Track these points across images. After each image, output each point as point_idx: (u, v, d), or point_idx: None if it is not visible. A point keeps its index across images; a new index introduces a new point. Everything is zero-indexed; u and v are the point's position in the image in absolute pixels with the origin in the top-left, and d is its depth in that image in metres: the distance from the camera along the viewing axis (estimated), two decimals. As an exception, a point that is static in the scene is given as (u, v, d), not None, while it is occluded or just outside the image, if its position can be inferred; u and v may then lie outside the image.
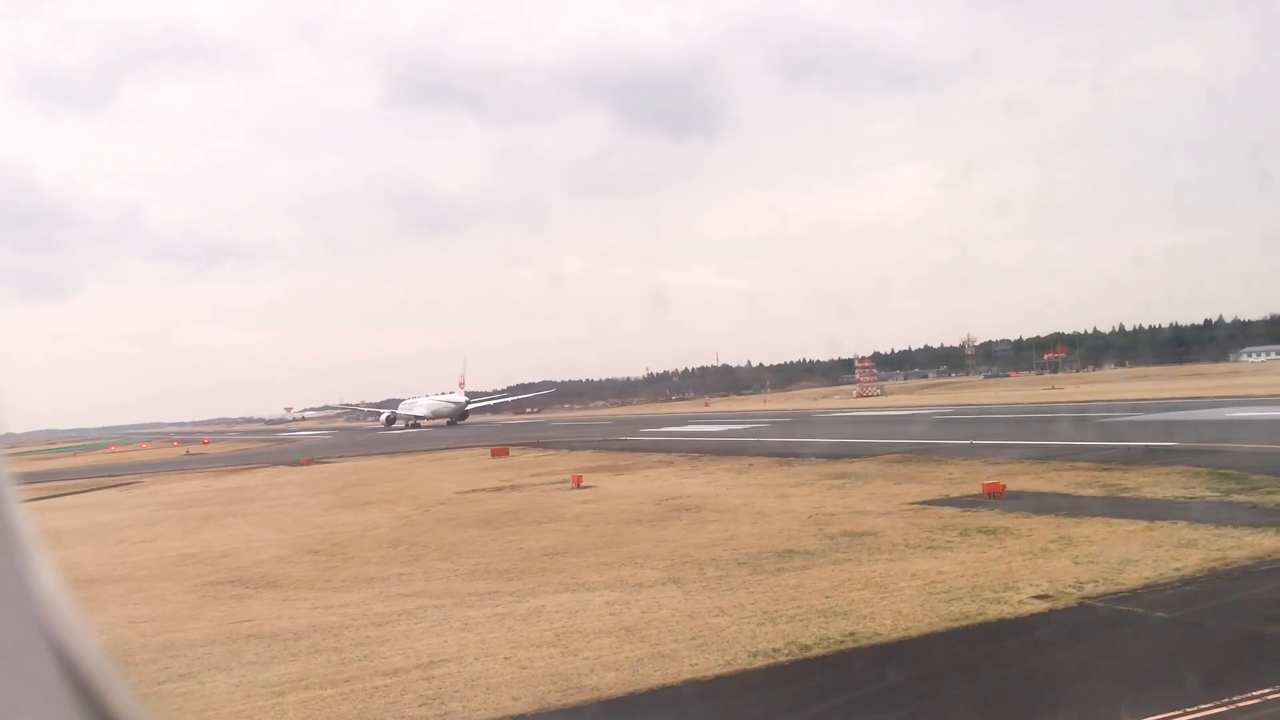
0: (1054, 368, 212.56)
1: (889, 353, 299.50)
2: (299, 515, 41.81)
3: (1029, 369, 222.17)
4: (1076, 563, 20.31)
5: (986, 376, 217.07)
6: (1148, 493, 29.84)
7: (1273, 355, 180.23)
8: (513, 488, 46.58)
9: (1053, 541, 23.01)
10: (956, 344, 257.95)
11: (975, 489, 32.58)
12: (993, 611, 16.86)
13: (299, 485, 58.35)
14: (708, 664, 14.98)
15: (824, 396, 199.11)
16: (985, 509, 28.99)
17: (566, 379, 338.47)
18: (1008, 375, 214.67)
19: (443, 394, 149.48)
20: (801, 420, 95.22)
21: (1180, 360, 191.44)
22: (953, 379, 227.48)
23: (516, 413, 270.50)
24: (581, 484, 43.79)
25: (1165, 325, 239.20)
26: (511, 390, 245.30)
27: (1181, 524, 23.85)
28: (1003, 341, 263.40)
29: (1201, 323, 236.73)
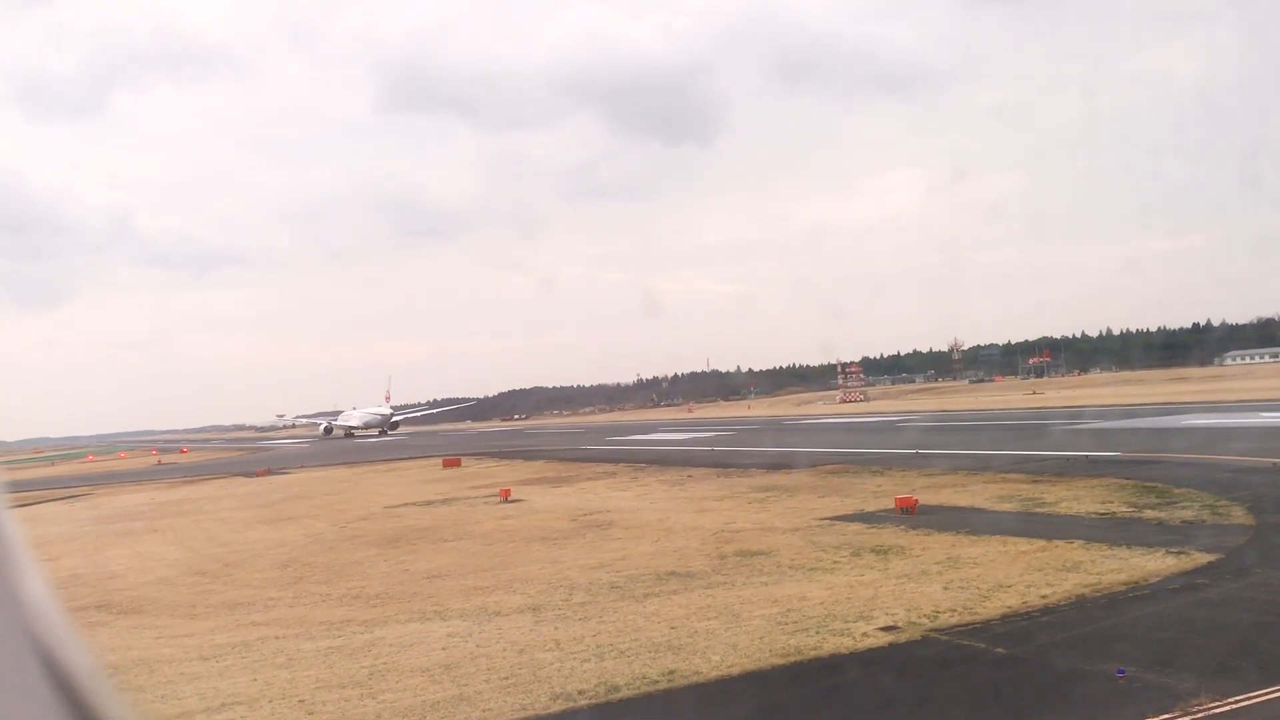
0: (1039, 372, 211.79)
1: (879, 358, 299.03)
2: (216, 531, 40.69)
3: (1018, 374, 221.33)
4: (947, 588, 19.26)
5: (972, 381, 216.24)
6: (1063, 508, 28.82)
7: (1257, 358, 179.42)
8: (444, 501, 45.49)
9: (938, 563, 21.97)
10: (946, 349, 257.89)
11: (894, 503, 31.64)
12: (830, 645, 15.80)
13: (240, 498, 57.23)
14: (503, 709, 13.91)
15: (808, 402, 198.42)
16: (892, 525, 28.03)
17: (558, 385, 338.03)
18: (993, 380, 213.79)
19: (370, 408, 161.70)
20: (769, 428, 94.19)
21: (1168, 364, 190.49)
22: (937, 384, 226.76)
23: (504, 419, 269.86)
24: (509, 498, 42.73)
25: (1155, 329, 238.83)
26: (445, 402, 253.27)
27: (1078, 544, 22.85)
28: (990, 346, 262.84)
29: (1190, 326, 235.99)
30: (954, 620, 16.84)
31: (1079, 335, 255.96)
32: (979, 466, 41.31)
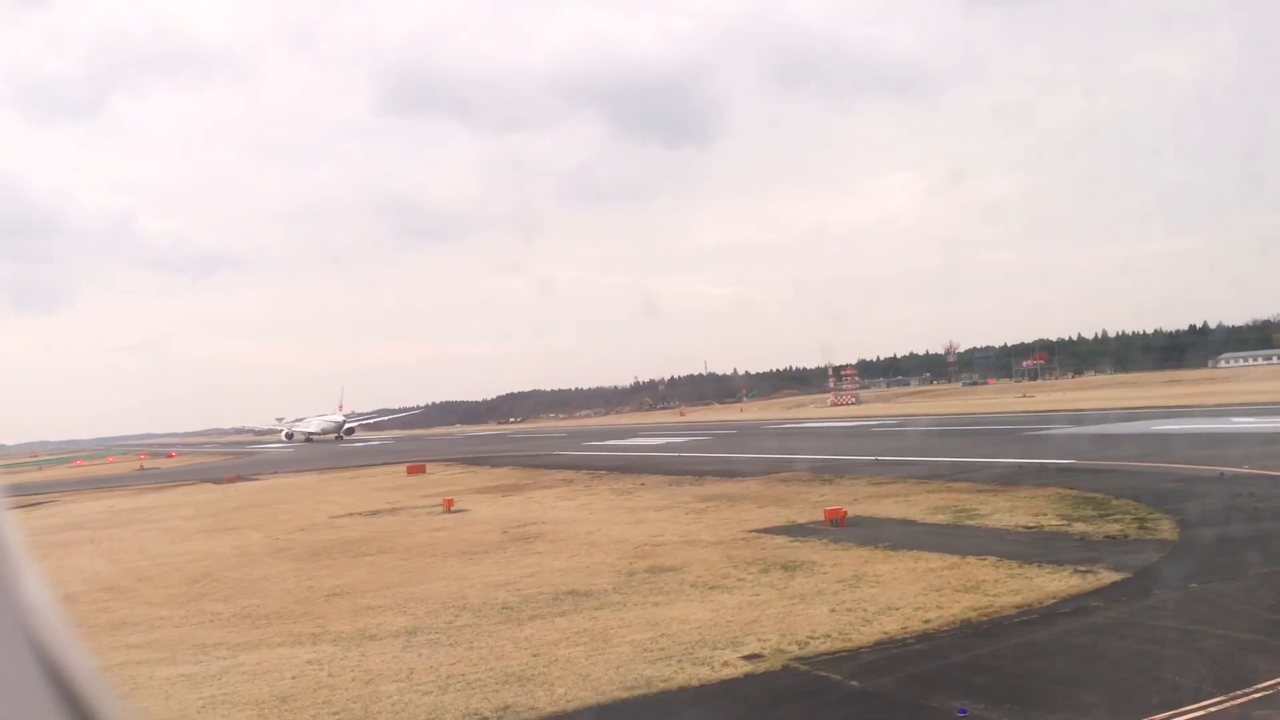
0: (1035, 375, 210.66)
1: (876, 360, 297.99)
2: (151, 544, 39.92)
3: (1013, 376, 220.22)
4: (834, 611, 18.39)
5: (966, 384, 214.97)
6: (994, 521, 27.92)
7: (1251, 360, 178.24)
8: (391, 511, 44.67)
9: (840, 582, 21.10)
10: (943, 351, 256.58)
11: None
12: (684, 677, 14.94)
13: (195, 507, 56.49)
14: (314, 747, 13.06)
15: (801, 405, 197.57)
16: (815, 538, 27.19)
17: (557, 388, 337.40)
18: (987, 383, 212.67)
19: (326, 415, 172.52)
20: (748, 433, 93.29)
21: (1164, 366, 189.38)
22: (930, 387, 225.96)
23: (500, 423, 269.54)
24: (452, 508, 41.88)
25: (1152, 331, 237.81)
26: (388, 409, 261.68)
27: (990, 561, 21.99)
28: (987, 348, 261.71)
29: (1188, 328, 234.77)
30: (824, 648, 15.97)
31: (1076, 337, 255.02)
32: (932, 474, 40.46)
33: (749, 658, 15.65)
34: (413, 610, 22.07)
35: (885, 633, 16.53)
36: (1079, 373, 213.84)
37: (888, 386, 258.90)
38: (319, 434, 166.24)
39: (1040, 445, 52.06)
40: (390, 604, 23.09)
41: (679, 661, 15.74)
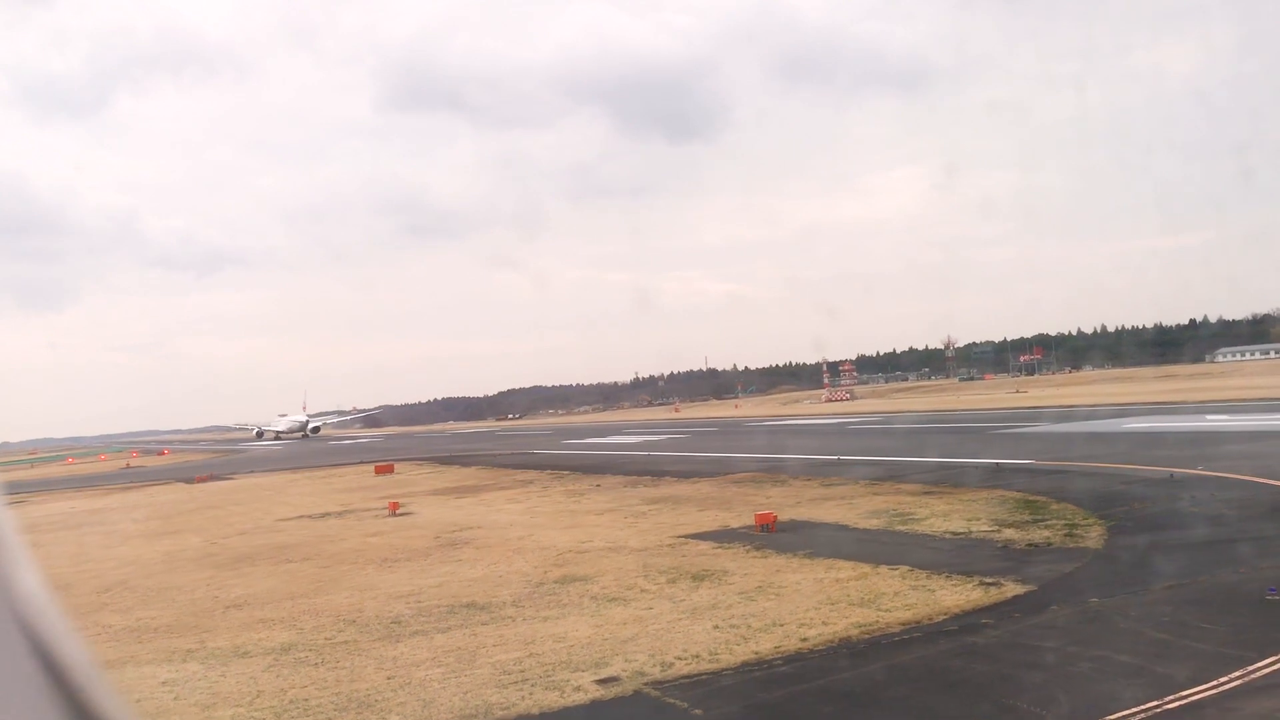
0: (1031, 370, 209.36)
1: (875, 355, 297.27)
2: (89, 548, 39.15)
3: (1009, 371, 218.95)
4: (718, 627, 17.52)
5: (962, 379, 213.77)
6: (926, 526, 27.03)
7: (1247, 355, 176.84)
8: (339, 514, 43.91)
9: (741, 594, 20.24)
10: (941, 346, 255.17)
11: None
12: (528, 703, 14.10)
13: (152, 509, 55.83)
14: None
15: (796, 401, 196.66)
16: (741, 545, 26.35)
17: (557, 384, 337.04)
18: (983, 378, 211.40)
19: (292, 415, 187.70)
20: (728, 431, 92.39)
21: (1160, 361, 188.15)
22: (925, 382, 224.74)
23: (499, 419, 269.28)
24: (397, 511, 41.10)
25: (1150, 326, 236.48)
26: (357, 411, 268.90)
27: (902, 570, 21.13)
28: (985, 343, 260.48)
29: (1187, 323, 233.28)
30: (687, 669, 15.11)
31: (1075, 332, 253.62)
32: (887, 475, 39.59)
33: (604, 681, 14.79)
34: (301, 624, 21.26)
35: (756, 653, 15.66)
36: (1076, 368, 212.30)
37: (885, 382, 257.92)
38: (285, 432, 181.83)
39: (1009, 444, 51.11)
40: (283, 617, 22.28)
41: (532, 686, 14.89)
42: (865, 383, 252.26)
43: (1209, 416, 57.02)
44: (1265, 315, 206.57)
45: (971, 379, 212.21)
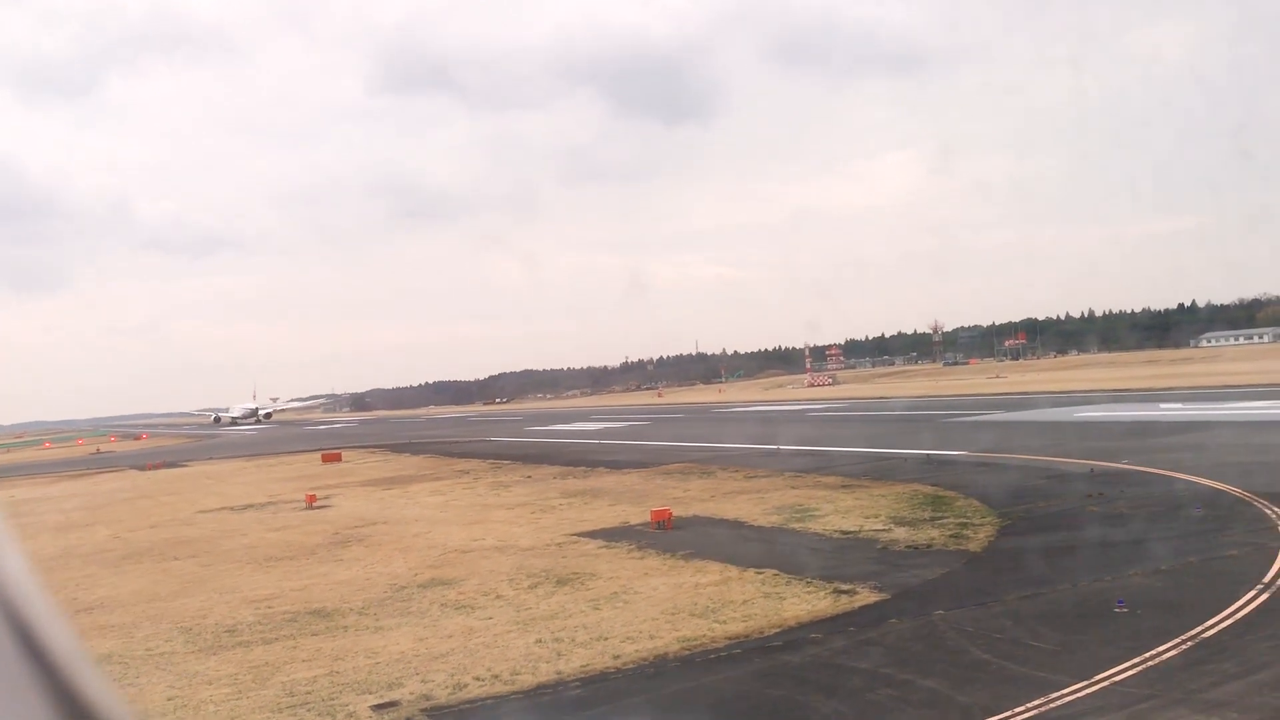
0: (1016, 354, 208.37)
1: (865, 339, 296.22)
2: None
3: (996, 356, 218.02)
4: (540, 641, 16.49)
5: (946, 364, 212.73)
6: (821, 524, 25.98)
7: (1229, 340, 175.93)
8: (262, 505, 42.98)
9: (594, 600, 19.23)
10: (930, 330, 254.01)
11: (679, 513, 29.38)
12: (290, 729, 13.04)
13: (87, 497, 54.93)
14: None
15: (780, 386, 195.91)
16: (629, 543, 25.43)
17: (549, 368, 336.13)
18: (967, 363, 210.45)
19: (245, 403, 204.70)
20: (692, 418, 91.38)
21: (1151, 345, 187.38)
22: (911, 367, 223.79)
23: (487, 403, 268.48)
24: (314, 504, 40.09)
25: (1140, 309, 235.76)
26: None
27: (767, 574, 20.16)
28: (974, 327, 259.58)
29: (1176, 307, 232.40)
30: (478, 691, 14.09)
31: (1064, 316, 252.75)
32: (815, 467, 38.58)
33: (382, 706, 13.75)
34: (138, 633, 20.24)
35: (559, 673, 14.62)
36: (1063, 352, 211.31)
37: (873, 366, 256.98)
38: (241, 418, 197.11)
39: (955, 433, 50.10)
40: (125, 623, 21.27)
41: (307, 711, 13.87)
42: (852, 367, 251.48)
43: (1163, 405, 56.02)
44: (1254, 300, 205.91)
45: (956, 364, 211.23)
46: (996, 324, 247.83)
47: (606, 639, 16.25)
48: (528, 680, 14.37)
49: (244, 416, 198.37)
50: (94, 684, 1.78)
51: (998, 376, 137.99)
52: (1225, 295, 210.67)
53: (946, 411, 67.30)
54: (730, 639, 15.68)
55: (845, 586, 18.44)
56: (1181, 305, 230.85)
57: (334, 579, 24.36)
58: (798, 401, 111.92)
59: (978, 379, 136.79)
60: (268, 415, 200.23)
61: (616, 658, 15.13)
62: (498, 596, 20.54)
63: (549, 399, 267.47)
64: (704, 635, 15.97)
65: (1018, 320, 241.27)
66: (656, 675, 14.22)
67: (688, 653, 15.18)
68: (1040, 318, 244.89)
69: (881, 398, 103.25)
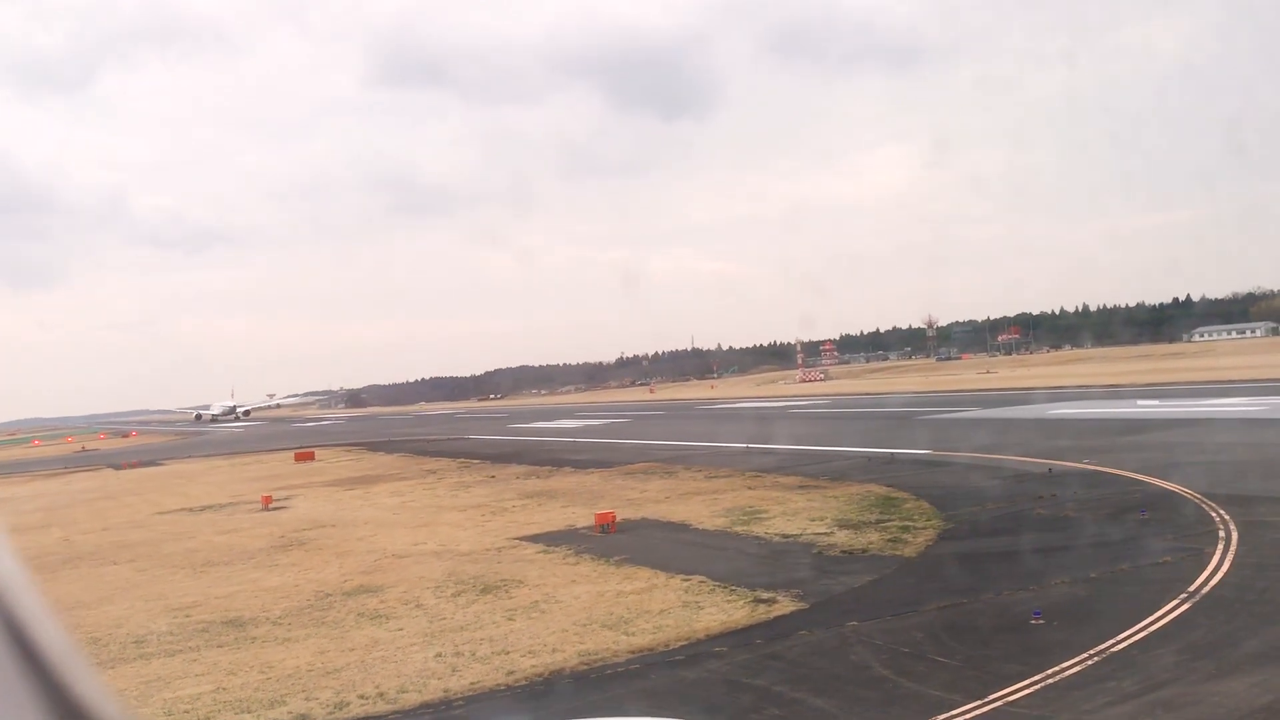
0: (1009, 349, 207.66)
1: (860, 334, 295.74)
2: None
3: (990, 351, 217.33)
4: (440, 656, 15.90)
5: (939, 359, 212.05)
6: (764, 527, 25.40)
7: (1225, 335, 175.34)
8: (225, 505, 42.49)
9: (511, 610, 18.64)
10: (924, 325, 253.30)
11: (630, 514, 29.00)
12: (152, 753, 12.46)
13: (51, 497, 54.40)
14: None
15: (772, 381, 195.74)
16: (568, 547, 24.86)
17: (545, 363, 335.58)
18: (960, 358, 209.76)
19: (225, 402, 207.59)
20: (676, 415, 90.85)
21: (1145, 340, 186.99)
22: (905, 362, 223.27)
23: (481, 399, 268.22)
24: (270, 505, 39.51)
25: (1135, 304, 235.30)
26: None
27: (694, 581, 19.60)
28: (968, 322, 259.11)
29: (1171, 301, 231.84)
30: (359, 711, 13.56)
31: (1058, 311, 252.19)
32: (778, 466, 38.02)
33: (255, 725, 13.14)
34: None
35: (447, 690, 14.05)
36: (1057, 347, 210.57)
37: (867, 361, 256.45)
38: (221, 415, 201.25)
39: (925, 431, 49.52)
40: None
41: (180, 729, 13.26)
42: (847, 362, 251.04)
43: (1141, 402, 55.45)
44: (1249, 294, 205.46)
45: (949, 359, 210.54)
46: (991, 319, 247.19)
47: (508, 653, 15.67)
48: (412, 699, 13.79)
49: (224, 414, 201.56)
50: (87, 683, 1.74)
51: (988, 372, 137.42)
52: (1220, 290, 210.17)
53: (925, 408, 66.72)
54: (633, 652, 15.10)
55: (766, 595, 17.86)
56: (1176, 300, 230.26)
57: (263, 585, 23.78)
58: (785, 398, 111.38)
59: (968, 374, 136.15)
60: (246, 412, 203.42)
61: (510, 674, 14.55)
62: (418, 605, 19.94)
63: (543, 395, 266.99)
64: (607, 649, 15.38)
65: (1013, 315, 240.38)
66: (545, 693, 13.64)
67: (585, 668, 14.59)
68: (1035, 312, 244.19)
69: (867, 394, 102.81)
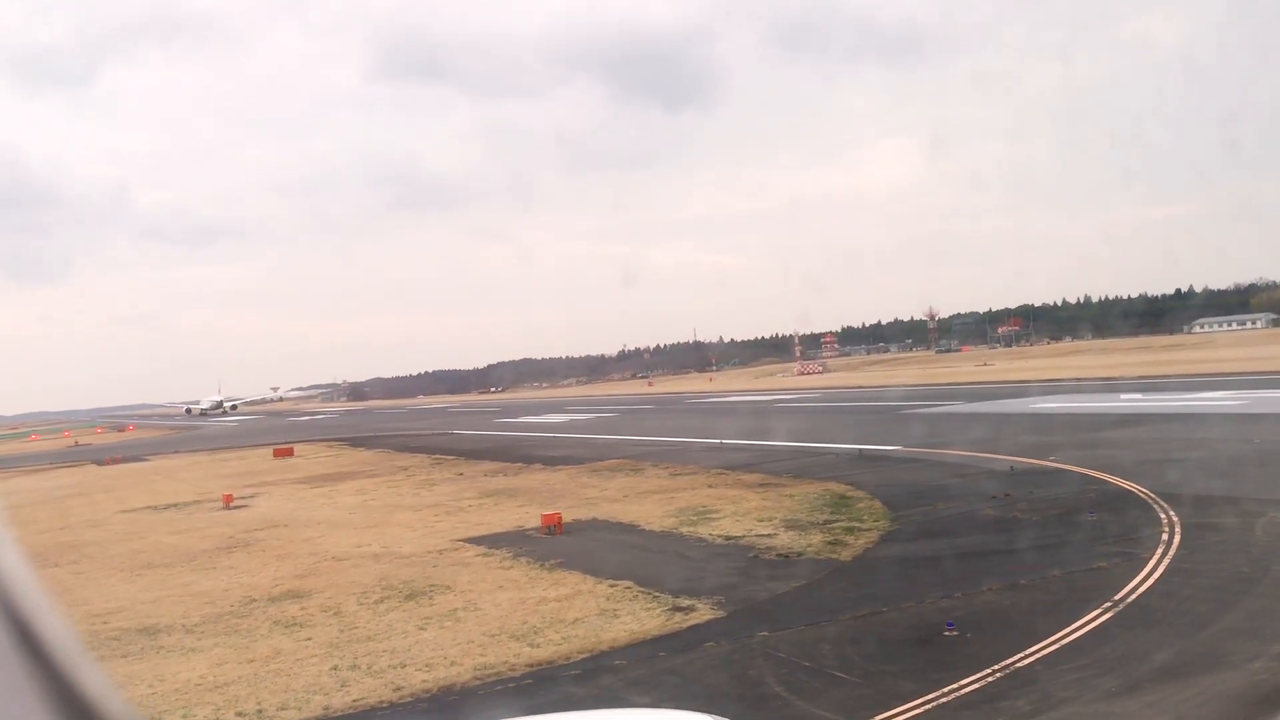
0: (1009, 341, 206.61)
1: (862, 327, 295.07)
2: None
3: (990, 343, 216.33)
4: (335, 669, 15.33)
5: (940, 351, 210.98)
6: (711, 528, 24.80)
7: (1220, 326, 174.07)
8: (190, 503, 41.99)
9: (427, 619, 18.06)
10: (925, 317, 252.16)
11: (583, 514, 28.42)
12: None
13: (25, 494, 53.84)
14: None
15: (770, 375, 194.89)
16: (507, 550, 24.31)
17: (546, 356, 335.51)
18: (960, 350, 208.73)
19: (213, 396, 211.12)
20: (664, 409, 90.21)
21: (1146, 332, 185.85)
22: (905, 355, 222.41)
23: (482, 393, 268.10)
24: (230, 504, 39.00)
25: (1136, 295, 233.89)
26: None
27: (621, 586, 19.08)
28: (970, 314, 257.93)
29: (1174, 293, 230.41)
30: (231, 728, 12.90)
31: (1060, 303, 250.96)
32: (745, 464, 37.46)
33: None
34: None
35: (328, 708, 13.49)
36: (1056, 339, 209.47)
37: (868, 354, 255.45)
38: (210, 410, 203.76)
39: (903, 426, 48.94)
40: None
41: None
42: (848, 355, 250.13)
43: (1124, 396, 54.66)
44: (1250, 285, 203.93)
45: (949, 351, 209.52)
46: (993, 310, 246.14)
47: (405, 666, 15.09)
48: (290, 717, 13.21)
49: (212, 409, 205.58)
50: (92, 680, 1.73)
51: (985, 365, 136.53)
52: (1221, 281, 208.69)
53: (911, 403, 65.96)
54: (531, 666, 14.50)
55: (686, 603, 17.25)
56: (1179, 291, 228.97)
57: (194, 590, 23.25)
58: (778, 391, 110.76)
59: (965, 367, 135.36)
60: (233, 406, 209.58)
61: (398, 690, 13.96)
62: (337, 613, 19.36)
63: (544, 388, 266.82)
64: (507, 662, 14.78)
65: (1014, 307, 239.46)
66: (427, 711, 13.05)
67: (477, 683, 14.01)
68: (1037, 304, 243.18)
69: (860, 387, 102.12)
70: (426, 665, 14.99)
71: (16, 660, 1.61)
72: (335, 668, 15.34)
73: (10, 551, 1.78)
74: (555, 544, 24.50)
